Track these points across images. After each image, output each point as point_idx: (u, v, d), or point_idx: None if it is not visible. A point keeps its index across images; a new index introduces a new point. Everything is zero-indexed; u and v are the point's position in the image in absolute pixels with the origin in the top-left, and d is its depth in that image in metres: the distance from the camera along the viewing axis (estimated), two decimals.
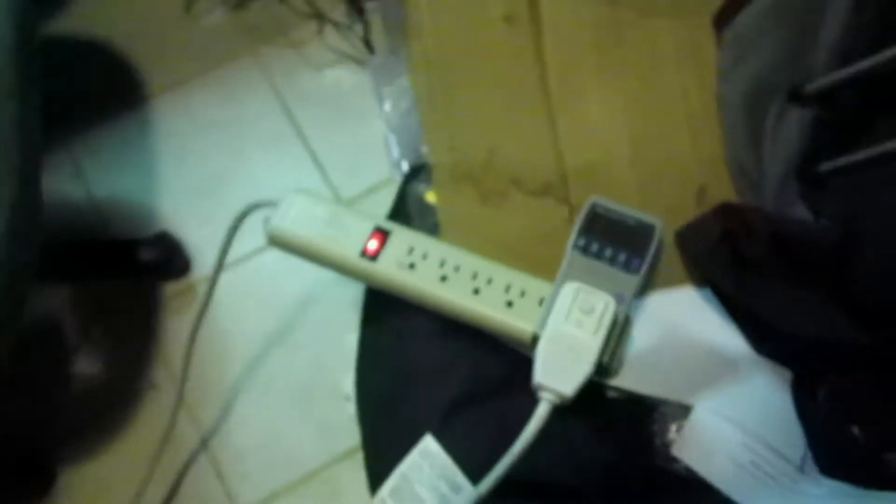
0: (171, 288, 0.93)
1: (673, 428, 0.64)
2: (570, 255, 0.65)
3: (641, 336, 0.66)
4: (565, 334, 0.61)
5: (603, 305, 0.62)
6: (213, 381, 0.88)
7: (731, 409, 0.66)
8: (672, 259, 0.73)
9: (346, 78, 0.92)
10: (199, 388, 0.87)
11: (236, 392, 0.87)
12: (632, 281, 0.64)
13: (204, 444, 0.85)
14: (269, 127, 0.98)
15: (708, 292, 0.69)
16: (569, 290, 0.63)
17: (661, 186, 0.73)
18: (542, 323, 0.63)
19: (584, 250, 0.64)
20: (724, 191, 0.72)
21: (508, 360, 0.67)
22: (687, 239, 0.72)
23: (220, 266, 0.76)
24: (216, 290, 0.75)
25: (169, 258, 0.93)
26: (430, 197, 0.76)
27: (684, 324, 0.71)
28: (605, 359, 0.62)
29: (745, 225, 0.69)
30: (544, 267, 0.63)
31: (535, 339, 0.62)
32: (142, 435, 0.87)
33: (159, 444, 0.80)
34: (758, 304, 0.72)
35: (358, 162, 0.93)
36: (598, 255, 0.64)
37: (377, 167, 0.82)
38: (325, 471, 0.76)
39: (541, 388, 0.59)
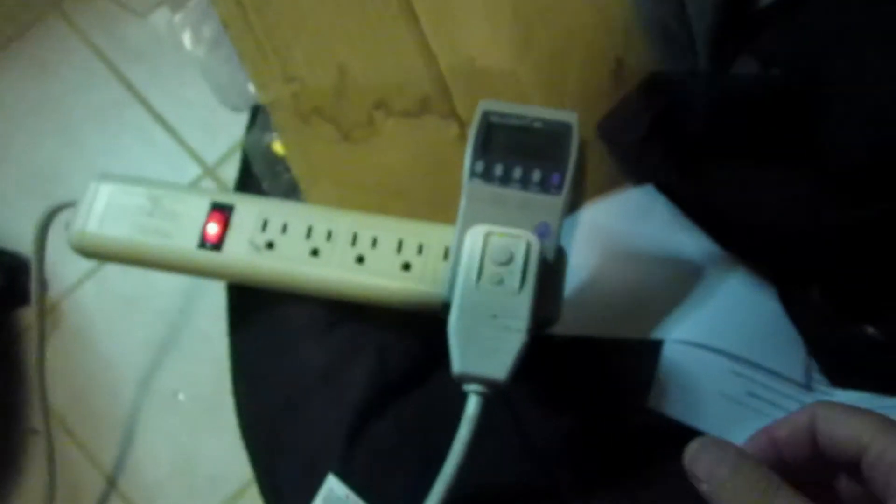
0: (27, 315, 0.78)
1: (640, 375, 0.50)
2: (468, 186, 0.48)
3: (581, 264, 0.51)
4: (482, 300, 0.44)
5: (524, 248, 0.45)
6: (105, 412, 0.76)
7: (710, 334, 0.55)
8: (599, 158, 0.57)
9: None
10: (90, 423, 0.75)
11: (134, 419, 0.75)
12: (554, 203, 0.47)
13: (111, 484, 0.74)
14: (101, 97, 0.82)
15: (651, 189, 0.53)
16: (475, 237, 0.46)
17: (567, 71, 0.55)
18: (451, 286, 0.46)
19: (486, 176, 0.47)
20: (644, 61, 0.55)
21: (421, 342, 0.51)
22: (612, 129, 0.56)
23: (40, 287, 0.62)
24: (83, 308, 0.60)
25: (9, 282, 0.78)
26: (277, 147, 0.57)
27: (631, 236, 0.60)
28: (541, 314, 0.46)
29: (680, 96, 0.53)
30: (441, 207, 0.51)
31: (446, 308, 0.45)
32: (33, 487, 0.74)
33: (46, 493, 0.68)
34: (713, 195, 0.57)
35: (215, 117, 0.79)
36: (505, 180, 0.47)
37: (239, 118, 0.64)
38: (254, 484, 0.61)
39: (464, 378, 0.43)
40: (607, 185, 0.57)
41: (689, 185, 0.57)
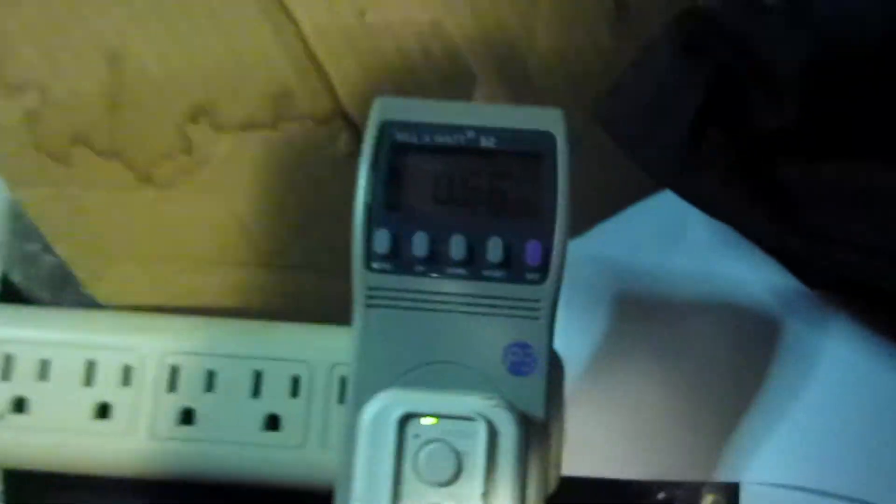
0: None
1: None
2: (362, 286, 0.23)
3: (580, 344, 0.37)
4: None
5: (484, 439, 0.21)
6: None
7: (812, 466, 0.34)
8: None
9: None
10: None
11: None
12: (535, 301, 0.24)
13: None
14: None
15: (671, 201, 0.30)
16: (379, 426, 0.22)
17: (534, 19, 0.30)
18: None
19: (396, 260, 0.23)
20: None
21: None
22: (622, 116, 0.31)
23: None
24: None
25: None
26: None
27: (655, 281, 0.39)
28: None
29: (765, 48, 0.28)
30: (324, 279, 0.33)
31: None
32: None
33: None
34: (802, 202, 0.33)
35: None
36: (436, 264, 0.24)
37: None
38: None
39: None
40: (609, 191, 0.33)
41: (763, 192, 0.32)
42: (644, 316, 0.38)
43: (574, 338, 0.37)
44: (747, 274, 0.38)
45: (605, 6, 0.33)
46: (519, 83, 0.33)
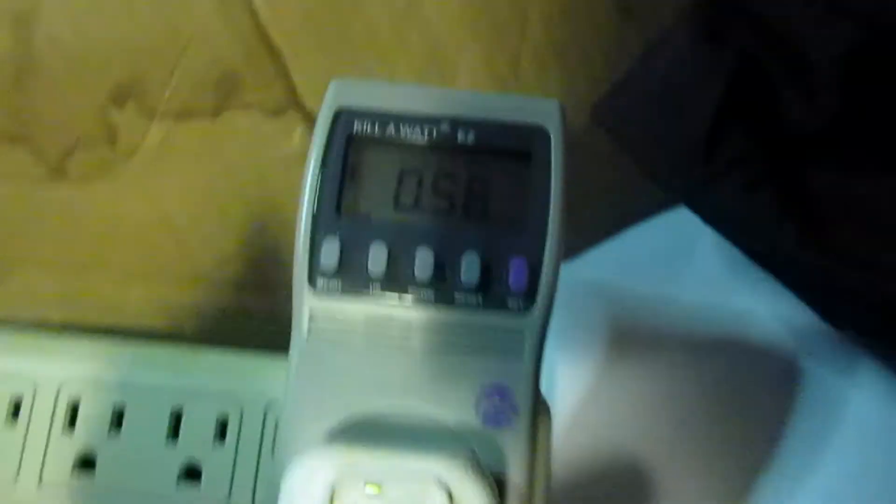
0: None
1: None
2: (304, 308, 0.18)
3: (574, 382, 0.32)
4: None
5: None
6: None
7: None
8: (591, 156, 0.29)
9: None
10: None
11: None
12: (518, 333, 0.19)
13: None
14: None
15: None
16: (305, 492, 0.16)
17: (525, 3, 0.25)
18: None
19: (346, 277, 0.18)
20: None
21: None
22: (631, 118, 0.26)
23: None
24: None
25: None
26: None
27: (660, 312, 0.34)
28: None
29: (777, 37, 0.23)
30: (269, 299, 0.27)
31: None
32: None
33: None
34: (833, 219, 0.28)
35: None
36: (395, 282, 0.18)
37: None
38: None
39: None
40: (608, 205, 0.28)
41: (791, 219, 0.27)
42: (646, 352, 0.33)
43: (564, 378, 0.32)
44: (762, 308, 0.34)
45: None
46: (507, 77, 0.29)
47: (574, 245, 0.33)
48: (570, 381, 0.33)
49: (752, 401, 0.33)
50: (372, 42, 0.28)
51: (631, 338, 0.34)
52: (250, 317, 0.29)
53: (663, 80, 0.25)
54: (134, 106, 0.26)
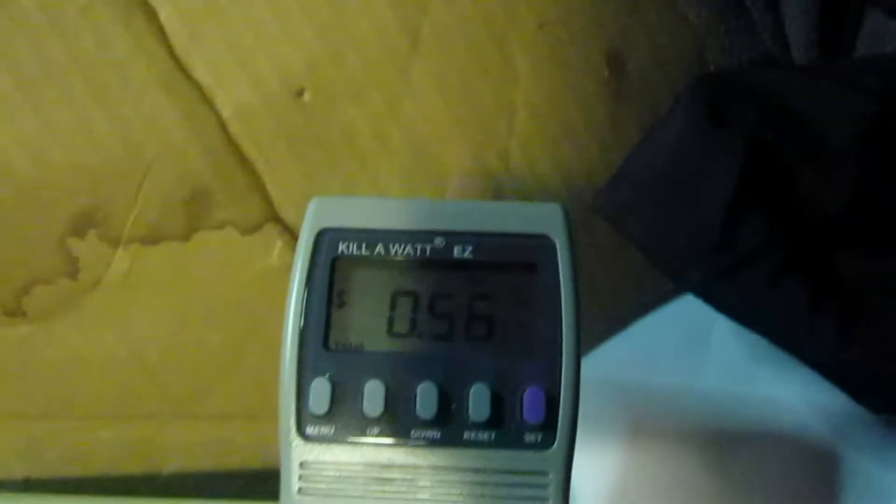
0: None
1: None
2: (289, 486, 0.15)
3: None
4: None
5: None
6: None
7: None
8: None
9: None
10: None
11: None
12: (544, 483, 0.16)
13: None
14: None
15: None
16: None
17: (512, 87, 0.24)
18: None
19: (338, 424, 0.16)
20: (648, 60, 0.24)
21: None
22: (633, 206, 0.24)
23: None
24: None
25: None
26: None
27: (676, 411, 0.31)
28: None
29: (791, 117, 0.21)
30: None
31: None
32: None
33: None
34: (868, 307, 0.25)
35: None
36: (391, 429, 0.16)
37: None
38: None
39: None
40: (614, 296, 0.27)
41: (824, 306, 0.25)
42: (669, 447, 0.31)
43: (584, 481, 0.29)
44: (790, 395, 0.31)
45: (598, 77, 0.27)
46: (497, 171, 0.27)
47: (584, 342, 0.31)
48: (590, 484, 0.31)
49: (787, 492, 0.30)
50: (350, 146, 0.26)
51: (651, 434, 0.31)
52: (236, 450, 0.27)
53: (668, 166, 0.23)
54: (96, 234, 0.24)
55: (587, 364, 0.32)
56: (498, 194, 0.27)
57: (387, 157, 0.26)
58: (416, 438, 0.18)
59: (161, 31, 0.24)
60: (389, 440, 0.18)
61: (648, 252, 0.24)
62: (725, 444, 0.31)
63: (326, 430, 0.18)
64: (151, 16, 0.24)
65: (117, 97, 0.24)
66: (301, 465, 0.18)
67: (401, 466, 0.18)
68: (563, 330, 0.19)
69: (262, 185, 0.26)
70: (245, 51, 0.25)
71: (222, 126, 0.25)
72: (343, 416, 0.18)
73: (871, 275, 0.23)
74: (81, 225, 0.24)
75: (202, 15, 0.25)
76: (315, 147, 0.26)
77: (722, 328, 0.32)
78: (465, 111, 0.26)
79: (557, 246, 0.19)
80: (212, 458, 0.27)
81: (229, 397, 0.27)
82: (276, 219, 0.26)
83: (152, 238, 0.25)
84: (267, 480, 0.25)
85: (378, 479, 0.18)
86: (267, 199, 0.26)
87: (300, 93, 0.26)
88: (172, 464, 0.26)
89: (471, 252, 0.19)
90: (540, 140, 0.27)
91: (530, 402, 0.18)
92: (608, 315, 0.31)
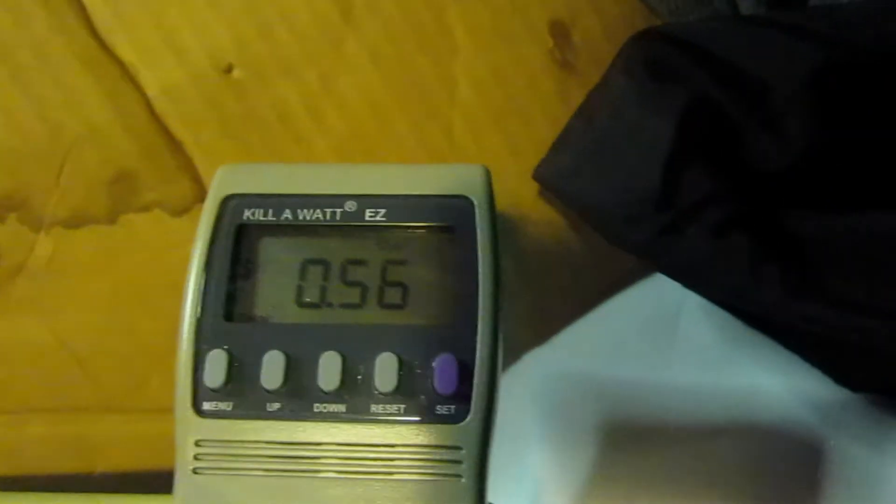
0: None
1: None
2: (188, 436, 0.14)
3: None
4: None
5: None
6: None
7: None
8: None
9: None
10: None
11: None
12: (457, 459, 0.16)
13: None
14: None
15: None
16: None
17: (452, 49, 0.22)
18: None
19: (236, 406, 0.15)
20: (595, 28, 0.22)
21: None
22: (579, 171, 0.22)
23: None
24: None
25: None
26: None
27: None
28: None
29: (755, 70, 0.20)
30: None
31: None
32: None
33: None
34: (820, 260, 0.23)
35: None
36: (292, 401, 0.16)
37: None
38: None
39: None
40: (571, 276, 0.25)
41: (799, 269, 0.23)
42: (644, 446, 0.29)
43: (552, 485, 0.28)
44: (766, 380, 0.29)
45: (542, 48, 0.26)
46: (441, 147, 0.26)
47: (542, 329, 0.29)
48: (559, 489, 0.29)
49: (773, 485, 0.28)
50: (284, 123, 0.25)
51: (624, 432, 0.29)
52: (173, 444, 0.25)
53: (607, 126, 0.22)
54: (16, 218, 0.23)
55: (550, 354, 0.30)
56: None
57: (322, 134, 0.25)
58: (319, 413, 0.17)
59: (81, 8, 0.24)
60: (291, 414, 0.17)
61: (590, 216, 0.22)
62: (704, 437, 0.29)
63: (224, 405, 0.17)
64: None
65: (36, 77, 0.23)
66: (196, 443, 0.17)
67: (303, 444, 0.17)
68: (480, 294, 0.17)
69: (192, 166, 0.25)
70: (170, 27, 0.24)
71: (148, 105, 0.24)
72: (241, 391, 0.17)
73: (822, 227, 0.22)
74: (0, 209, 0.23)
75: None
76: (247, 125, 0.25)
77: (691, 308, 0.30)
78: (403, 84, 0.25)
79: (476, 206, 0.18)
80: (149, 453, 0.25)
81: (166, 388, 0.25)
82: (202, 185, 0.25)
83: (76, 221, 0.24)
84: None
85: (280, 457, 0.17)
86: (197, 180, 0.25)
87: (229, 69, 0.25)
88: (106, 460, 0.25)
89: (384, 215, 0.18)
90: (484, 113, 0.26)
91: (442, 371, 0.17)
92: (568, 299, 0.29)
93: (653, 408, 0.30)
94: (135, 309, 0.25)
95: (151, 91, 0.24)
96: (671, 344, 0.31)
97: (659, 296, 0.31)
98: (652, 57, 0.21)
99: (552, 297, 0.29)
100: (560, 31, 0.26)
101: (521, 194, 0.26)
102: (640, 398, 0.30)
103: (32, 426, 0.25)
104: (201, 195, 0.25)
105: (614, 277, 0.30)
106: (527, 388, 0.29)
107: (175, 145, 0.24)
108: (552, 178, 0.23)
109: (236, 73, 0.25)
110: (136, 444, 0.25)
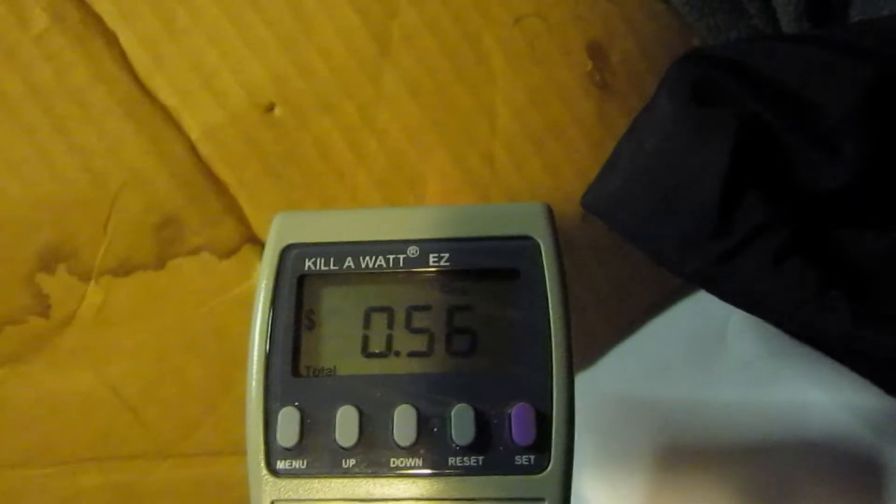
0: None
1: None
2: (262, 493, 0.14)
3: None
4: None
5: None
6: None
7: None
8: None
9: None
10: None
11: None
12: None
13: None
14: None
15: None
16: None
17: (489, 82, 0.22)
18: None
19: (310, 466, 0.15)
20: (641, 50, 0.23)
21: None
22: (622, 191, 0.22)
23: None
24: None
25: None
26: None
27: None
28: None
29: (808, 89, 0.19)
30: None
31: None
32: None
33: None
34: (878, 282, 0.23)
35: None
36: (367, 458, 0.14)
37: None
38: None
39: None
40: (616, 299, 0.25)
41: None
42: (693, 467, 0.29)
43: None
44: (816, 394, 0.29)
45: (580, 70, 0.25)
46: (483, 177, 0.25)
47: (587, 352, 0.29)
48: None
49: (828, 502, 0.28)
50: (325, 159, 0.24)
51: (673, 454, 0.29)
52: (228, 489, 0.25)
53: (656, 153, 0.21)
54: (65, 269, 0.23)
55: (597, 377, 0.30)
56: (485, 199, 0.25)
57: (364, 168, 0.25)
58: (396, 468, 0.16)
59: (122, 54, 0.23)
60: (367, 471, 0.16)
61: (642, 244, 0.22)
62: (754, 455, 0.29)
63: (298, 463, 0.17)
64: (111, 40, 0.24)
65: (78, 126, 0.23)
66: (273, 503, 0.17)
67: (381, 500, 0.16)
68: (553, 339, 0.17)
69: (238, 207, 0.24)
70: (209, 69, 0.24)
71: (191, 148, 0.24)
72: (315, 448, 0.17)
73: (879, 252, 0.22)
74: (50, 260, 0.23)
75: (163, 36, 0.24)
76: (289, 163, 0.25)
77: (737, 324, 0.30)
78: (443, 115, 0.25)
79: (542, 248, 0.18)
80: (203, 497, 0.25)
81: (218, 432, 0.25)
82: (254, 240, 0.25)
83: (124, 269, 0.24)
84: None
85: None
86: (243, 220, 0.24)
87: (270, 108, 0.24)
88: None
89: (447, 260, 0.18)
90: (525, 140, 0.26)
91: (519, 422, 0.16)
92: (613, 321, 0.29)
93: (701, 427, 0.30)
94: (184, 354, 0.25)
95: (194, 134, 0.24)
96: (718, 360, 0.30)
97: (704, 312, 0.31)
98: (698, 79, 0.21)
99: (597, 319, 0.29)
100: (598, 53, 0.26)
101: (563, 218, 0.26)
102: (689, 418, 0.30)
103: (85, 476, 0.24)
104: (247, 236, 0.24)
105: (659, 296, 0.30)
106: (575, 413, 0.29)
107: (219, 187, 0.24)
108: (601, 205, 0.22)
109: (277, 111, 0.24)
110: (189, 488, 0.25)
